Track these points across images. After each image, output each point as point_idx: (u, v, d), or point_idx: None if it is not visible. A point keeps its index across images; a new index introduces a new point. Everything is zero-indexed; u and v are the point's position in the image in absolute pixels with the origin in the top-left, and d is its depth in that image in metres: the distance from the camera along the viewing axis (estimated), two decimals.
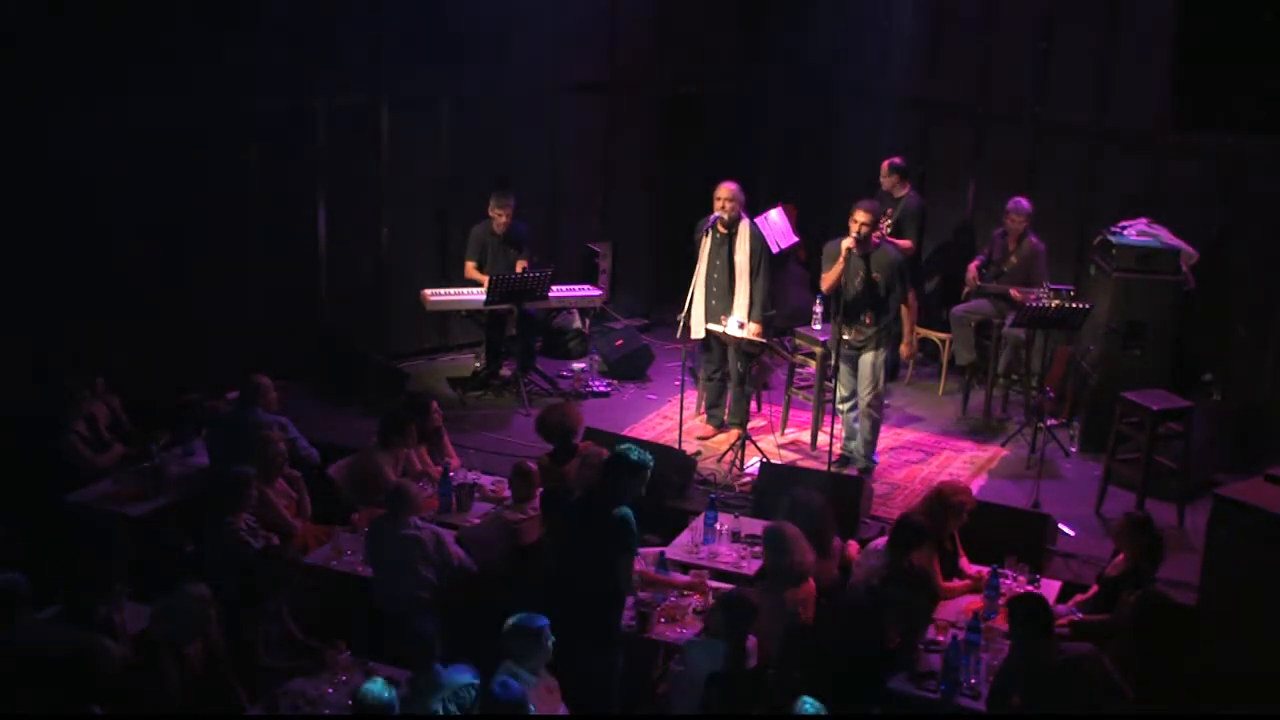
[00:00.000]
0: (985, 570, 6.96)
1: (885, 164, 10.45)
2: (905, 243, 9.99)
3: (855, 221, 8.53)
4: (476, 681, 5.76)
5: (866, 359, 8.73)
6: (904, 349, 9.85)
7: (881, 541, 6.98)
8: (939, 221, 11.08)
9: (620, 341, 10.96)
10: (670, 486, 8.48)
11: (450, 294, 10.23)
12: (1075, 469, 9.33)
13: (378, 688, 5.49)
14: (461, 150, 10.96)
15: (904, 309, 8.67)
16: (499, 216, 10.04)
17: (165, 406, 8.93)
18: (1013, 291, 9.75)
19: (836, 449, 8.96)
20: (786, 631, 6.46)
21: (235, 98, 9.69)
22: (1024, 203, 9.97)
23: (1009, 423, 9.94)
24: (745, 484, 8.74)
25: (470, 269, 10.16)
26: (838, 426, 9.03)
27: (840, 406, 8.99)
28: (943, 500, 7.08)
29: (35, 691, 5.52)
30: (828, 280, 8.71)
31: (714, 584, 6.94)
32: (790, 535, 6.57)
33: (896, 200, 10.33)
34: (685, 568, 7.22)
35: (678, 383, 9.48)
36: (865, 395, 8.80)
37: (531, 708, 5.56)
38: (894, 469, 9.20)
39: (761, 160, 12.24)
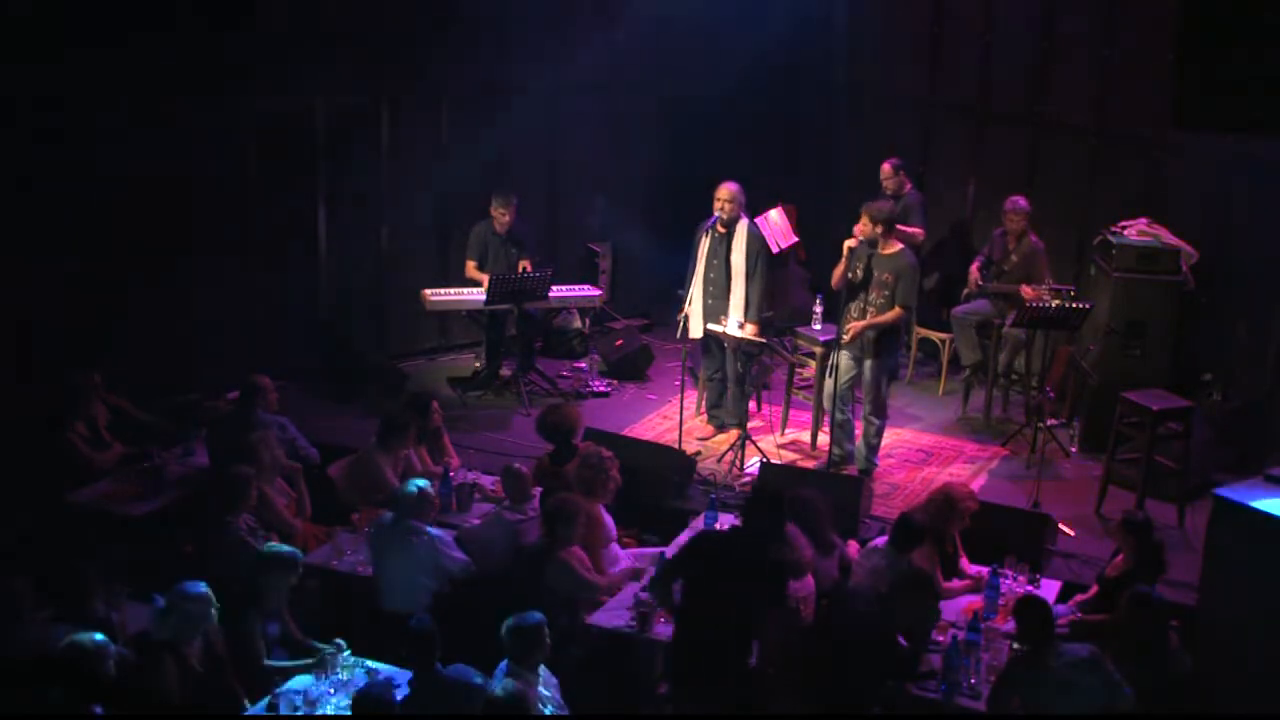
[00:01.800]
0: (985, 570, 6.96)
1: (888, 165, 10.46)
2: (915, 230, 10.01)
3: (859, 224, 8.57)
4: (481, 683, 5.75)
5: (870, 364, 8.72)
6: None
7: (882, 541, 6.98)
8: (939, 221, 11.08)
9: (620, 341, 10.97)
10: (670, 486, 8.48)
11: (450, 294, 10.22)
12: (1075, 469, 9.33)
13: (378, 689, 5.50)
14: (461, 150, 10.96)
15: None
16: (500, 216, 10.04)
17: (165, 406, 8.94)
18: (1024, 289, 9.73)
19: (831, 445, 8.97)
20: (786, 631, 6.46)
21: (235, 98, 9.69)
22: (1021, 201, 9.98)
23: (1009, 423, 9.94)
24: (745, 484, 8.74)
25: (470, 268, 10.16)
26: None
27: (828, 405, 8.96)
28: (950, 502, 7.07)
29: (35, 692, 5.51)
30: (835, 276, 8.75)
31: None
32: (786, 531, 6.57)
33: (898, 199, 10.34)
34: None
35: (678, 383, 9.48)
36: (869, 402, 8.81)
37: (548, 708, 5.57)
38: (894, 469, 9.20)
39: (761, 160, 12.24)
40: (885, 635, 6.15)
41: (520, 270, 9.98)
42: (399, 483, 7.61)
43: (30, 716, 5.52)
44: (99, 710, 5.47)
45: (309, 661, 6.21)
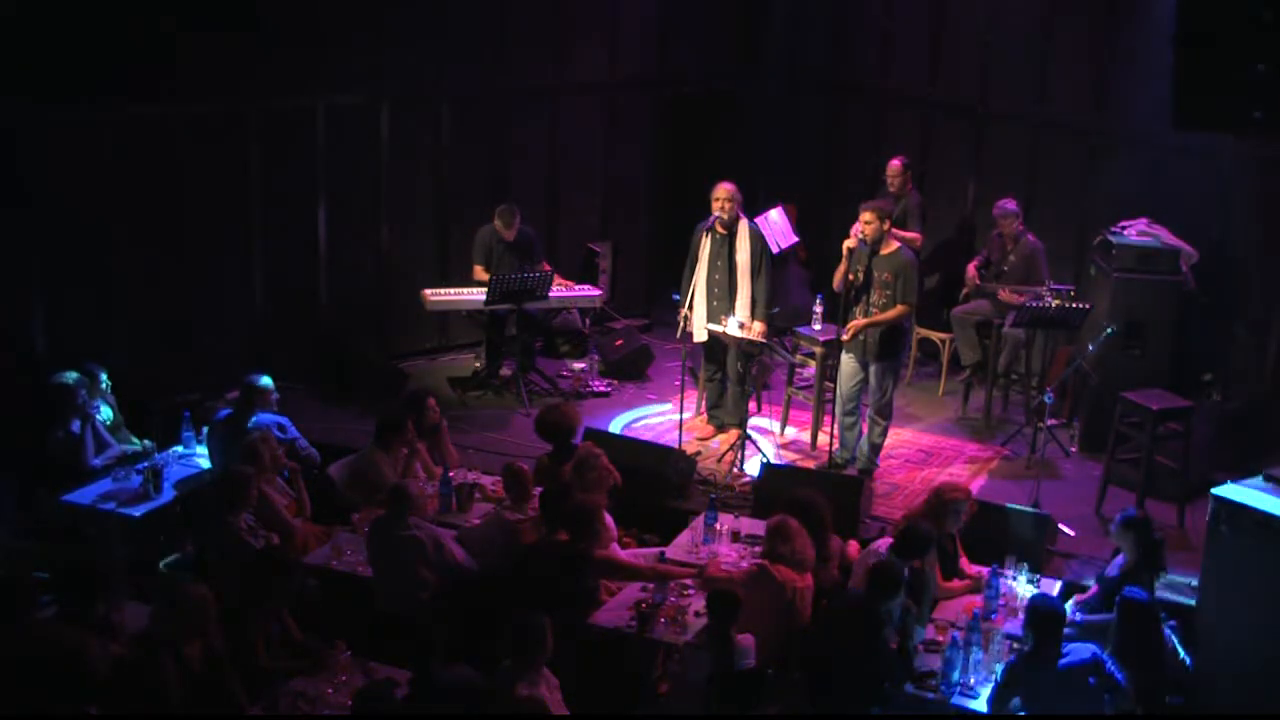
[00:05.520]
0: (985, 570, 6.96)
1: (898, 163, 10.42)
2: (912, 234, 10.01)
3: (860, 221, 8.57)
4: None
5: (875, 368, 8.72)
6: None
7: (883, 542, 6.98)
8: (939, 221, 11.09)
9: (620, 341, 10.97)
10: (670, 486, 8.48)
11: (450, 294, 10.22)
12: (1075, 469, 9.33)
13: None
14: (461, 150, 10.96)
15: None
16: (505, 232, 10.03)
17: (164, 406, 8.94)
18: (1001, 293, 9.77)
19: (835, 447, 8.97)
20: (785, 631, 6.47)
21: (235, 98, 9.69)
22: (1010, 205, 9.99)
23: (1009, 423, 9.94)
24: (745, 484, 8.74)
25: (479, 271, 10.12)
26: (837, 427, 9.03)
27: (838, 411, 8.98)
28: (941, 499, 7.09)
29: (29, 692, 5.52)
30: (836, 278, 8.74)
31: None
32: (794, 528, 6.59)
33: (898, 199, 10.35)
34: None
35: (678, 383, 9.48)
36: (874, 403, 8.81)
37: None
38: (894, 469, 9.20)
39: (761, 160, 12.25)
40: (873, 635, 6.15)
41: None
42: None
43: (26, 717, 5.53)
44: (94, 711, 5.47)
45: (309, 661, 6.19)
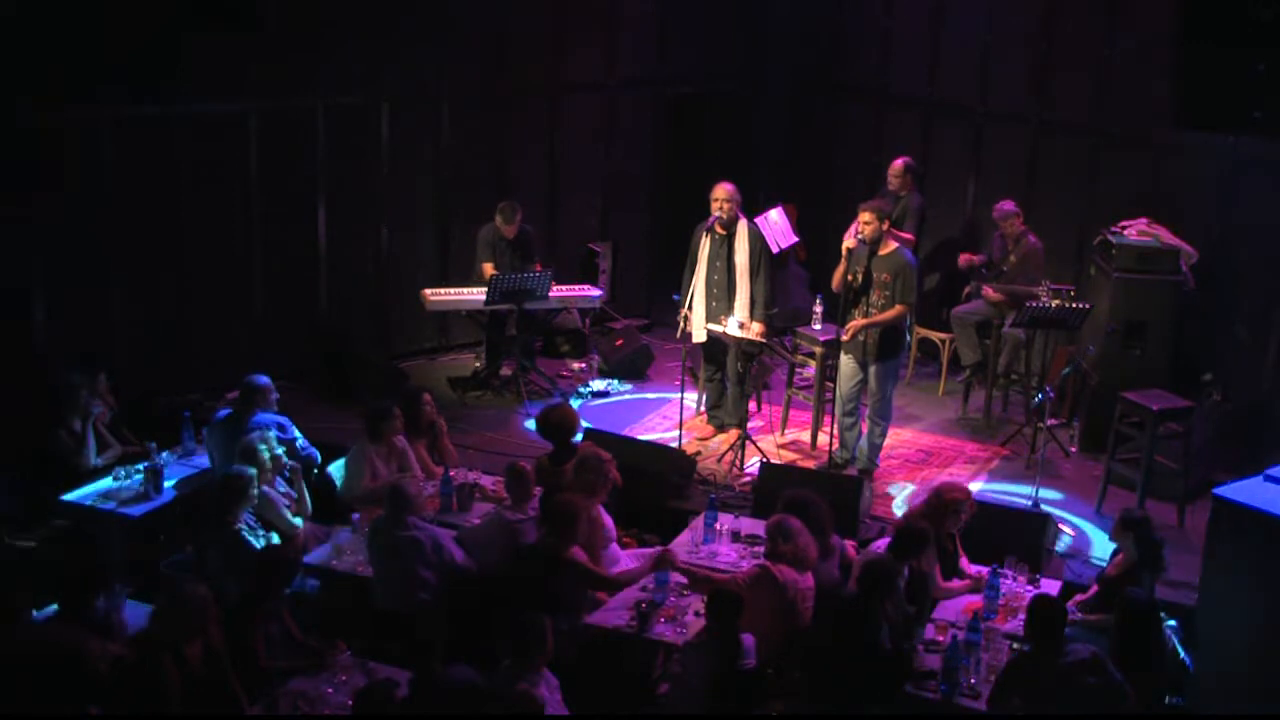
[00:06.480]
0: (985, 570, 6.96)
1: (900, 163, 10.43)
2: (906, 235, 10.02)
3: (859, 221, 8.57)
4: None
5: (874, 369, 8.72)
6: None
7: (884, 543, 6.98)
8: (939, 221, 11.08)
9: (620, 341, 10.97)
10: (670, 486, 8.48)
11: (450, 294, 10.22)
12: (1075, 469, 9.33)
13: None
14: (461, 150, 10.96)
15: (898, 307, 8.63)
16: (507, 230, 10.03)
17: (165, 406, 8.94)
18: (985, 289, 9.78)
19: (835, 447, 8.97)
20: (786, 631, 6.47)
21: (235, 98, 9.69)
22: (1009, 205, 10.01)
23: (1009, 423, 9.94)
24: (745, 484, 8.74)
25: (489, 269, 10.08)
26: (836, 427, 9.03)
27: (838, 411, 8.98)
28: (940, 499, 7.09)
29: (28, 692, 5.52)
30: (835, 279, 8.74)
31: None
32: (795, 526, 6.59)
33: (898, 199, 10.35)
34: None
35: (678, 382, 9.48)
36: (873, 403, 8.81)
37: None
38: (894, 469, 9.20)
39: (761, 160, 12.25)
40: (870, 634, 6.15)
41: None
42: (392, 476, 7.66)
43: (25, 717, 5.52)
44: (97, 710, 5.46)
45: (309, 661, 6.19)
